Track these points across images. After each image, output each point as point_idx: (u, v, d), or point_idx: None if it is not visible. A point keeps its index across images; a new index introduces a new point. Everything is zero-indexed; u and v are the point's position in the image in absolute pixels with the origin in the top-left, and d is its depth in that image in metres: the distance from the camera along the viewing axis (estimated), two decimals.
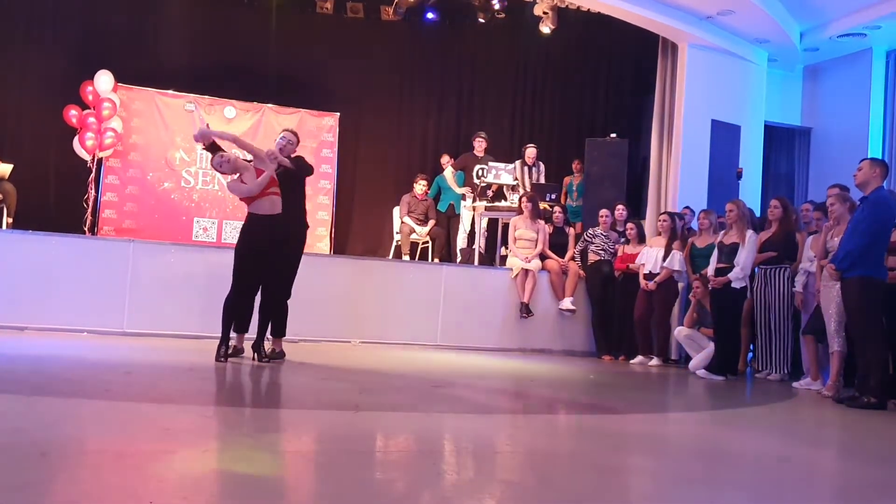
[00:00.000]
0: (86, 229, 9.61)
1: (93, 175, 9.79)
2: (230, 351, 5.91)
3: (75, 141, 9.65)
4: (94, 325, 7.25)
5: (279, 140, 6.08)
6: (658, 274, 8.11)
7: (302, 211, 6.23)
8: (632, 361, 8.24)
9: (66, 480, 2.51)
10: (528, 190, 9.48)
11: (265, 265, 5.87)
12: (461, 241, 10.19)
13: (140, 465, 2.75)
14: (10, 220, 8.45)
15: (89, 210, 9.76)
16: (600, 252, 8.71)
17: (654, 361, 8.12)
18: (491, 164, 9.81)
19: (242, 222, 6.05)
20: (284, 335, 6.24)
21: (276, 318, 6.14)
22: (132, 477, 2.59)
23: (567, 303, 8.62)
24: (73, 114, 9.60)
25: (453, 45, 11.36)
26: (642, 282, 8.20)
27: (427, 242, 10.16)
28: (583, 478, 3.06)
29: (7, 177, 8.59)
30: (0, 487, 2.32)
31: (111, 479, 2.56)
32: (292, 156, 6.12)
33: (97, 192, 9.92)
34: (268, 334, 6.13)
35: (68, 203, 9.78)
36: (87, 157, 9.69)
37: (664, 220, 8.37)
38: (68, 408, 3.73)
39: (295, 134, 6.28)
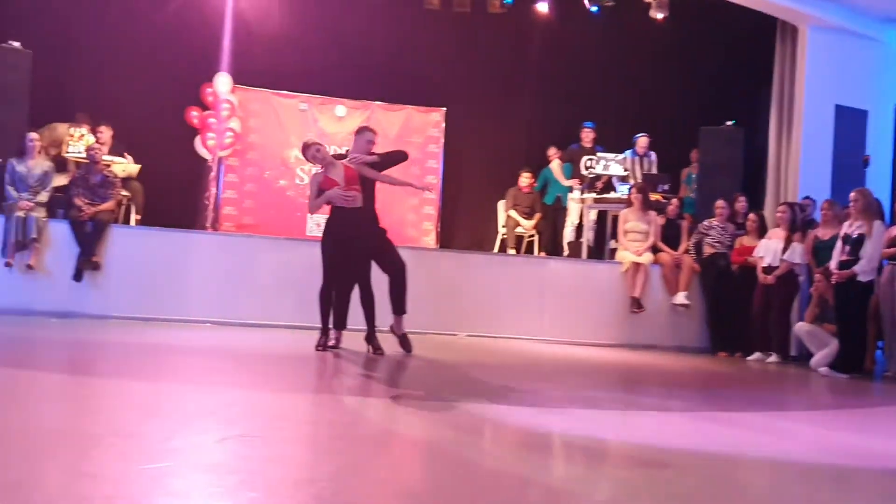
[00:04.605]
0: (208, 225, 10.06)
1: (214, 173, 10.24)
2: (330, 344, 6.06)
3: (197, 141, 10.12)
4: (216, 316, 7.63)
5: (361, 143, 6.05)
6: (777, 267, 7.80)
7: (371, 204, 6.18)
8: (748, 358, 7.96)
9: (174, 463, 2.64)
10: (639, 181, 9.28)
11: (349, 257, 5.96)
12: (568, 235, 10.07)
13: (253, 449, 2.87)
14: (139, 217, 8.95)
15: (211, 207, 10.21)
16: (716, 244, 8.45)
17: (773, 358, 7.82)
18: (600, 154, 9.65)
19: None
20: (405, 311, 6.21)
21: (394, 292, 6.15)
22: (246, 460, 2.70)
23: (681, 297, 8.39)
24: (194, 115, 10.07)
25: (560, 35, 11.19)
26: (761, 275, 7.91)
27: (533, 236, 10.10)
28: (693, 476, 2.98)
29: (135, 176, 9.09)
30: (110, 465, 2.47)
31: (224, 460, 2.68)
32: (370, 152, 6.13)
33: (218, 189, 10.37)
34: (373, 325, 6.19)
35: (191, 200, 10.26)
36: (209, 157, 10.14)
37: (783, 212, 8.06)
38: (185, 395, 3.92)
39: (374, 132, 6.29)
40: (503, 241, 10.13)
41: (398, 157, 6.30)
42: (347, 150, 6.20)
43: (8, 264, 7.36)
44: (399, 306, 6.21)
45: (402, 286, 6.17)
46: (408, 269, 6.27)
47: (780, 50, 9.72)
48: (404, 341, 6.23)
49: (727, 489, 2.85)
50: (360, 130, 6.28)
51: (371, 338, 6.10)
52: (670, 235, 8.71)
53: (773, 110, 9.75)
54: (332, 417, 3.63)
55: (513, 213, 10.00)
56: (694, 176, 10.20)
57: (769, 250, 7.92)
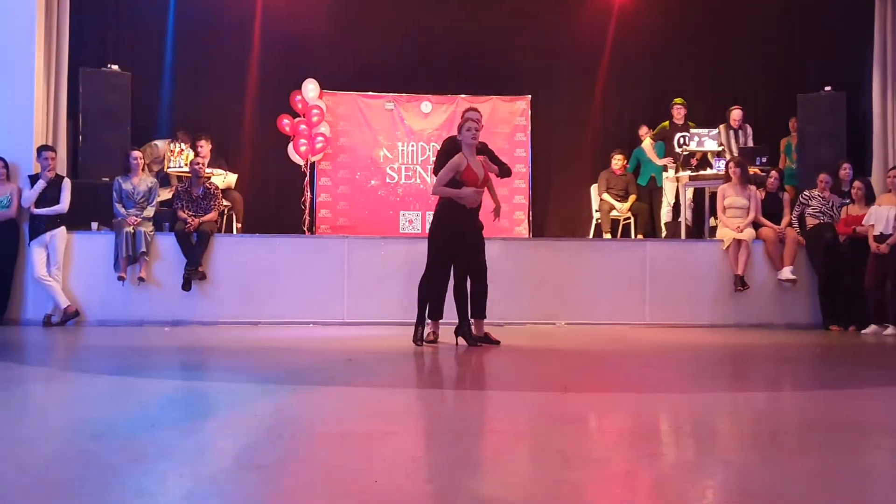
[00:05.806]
0: (305, 229, 10.34)
1: (307, 178, 10.51)
2: (429, 338, 6.10)
3: (289, 148, 10.40)
4: (318, 316, 7.91)
5: (469, 125, 6.08)
6: (890, 235, 7.41)
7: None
8: (864, 332, 7.61)
9: (300, 460, 2.72)
10: (736, 155, 8.98)
11: (458, 250, 6.00)
12: (665, 215, 9.84)
13: (364, 445, 2.93)
14: (240, 226, 9.28)
15: (307, 211, 10.48)
16: (818, 215, 8.11)
17: (890, 330, 7.45)
18: (692, 130, 9.38)
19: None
20: (485, 316, 6.23)
21: (475, 295, 6.14)
22: (358, 457, 2.76)
23: (787, 272, 8.09)
24: (285, 123, 10.35)
25: (642, 10, 10.93)
26: (873, 245, 7.53)
27: (629, 219, 9.91)
28: (810, 458, 2.86)
29: (234, 186, 9.43)
30: (244, 467, 2.57)
31: (339, 459, 2.74)
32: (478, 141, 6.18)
33: (312, 193, 10.63)
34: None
35: (288, 206, 10.57)
36: (301, 162, 10.41)
37: (895, 176, 7.65)
38: (299, 394, 4.04)
39: (479, 112, 6.38)
40: (598, 225, 9.98)
41: (507, 171, 6.52)
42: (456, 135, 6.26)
43: (121, 278, 7.78)
44: (481, 310, 6.19)
45: (483, 289, 6.17)
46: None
47: (881, 7, 9.22)
48: (481, 340, 6.15)
49: (845, 469, 2.72)
50: (466, 112, 6.40)
51: (465, 332, 6.07)
52: (772, 209, 8.41)
53: (875, 71, 9.26)
54: (434, 411, 3.67)
55: (606, 197, 9.83)
56: (794, 146, 9.79)
57: (880, 218, 7.54)
